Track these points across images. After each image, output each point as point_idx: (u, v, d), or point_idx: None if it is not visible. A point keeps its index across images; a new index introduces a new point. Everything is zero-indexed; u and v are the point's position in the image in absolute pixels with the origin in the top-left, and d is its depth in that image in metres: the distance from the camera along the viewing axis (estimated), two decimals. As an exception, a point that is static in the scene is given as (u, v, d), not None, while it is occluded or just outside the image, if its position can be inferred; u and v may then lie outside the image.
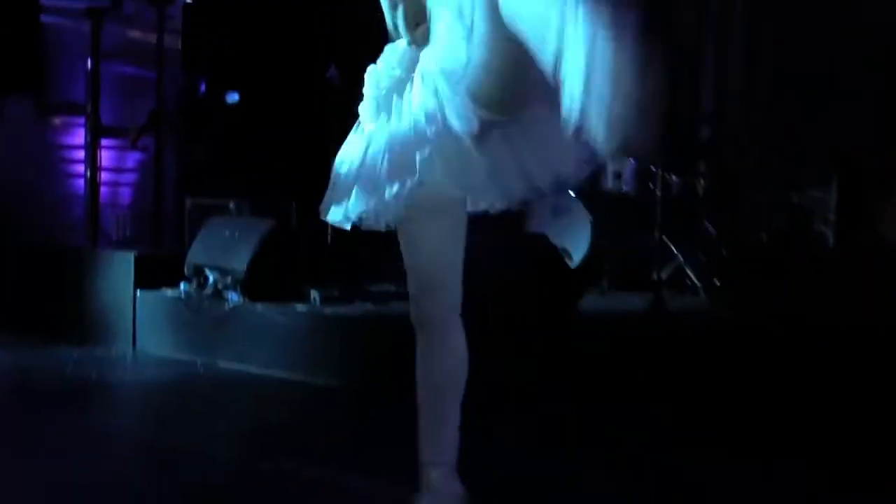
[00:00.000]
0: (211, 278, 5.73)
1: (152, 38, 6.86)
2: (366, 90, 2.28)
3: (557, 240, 5.88)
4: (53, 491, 3.27)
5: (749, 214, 6.14)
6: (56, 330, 6.11)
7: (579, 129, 1.98)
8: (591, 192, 6.36)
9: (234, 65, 7.24)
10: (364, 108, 2.27)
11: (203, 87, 7.06)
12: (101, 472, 3.45)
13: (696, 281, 5.74)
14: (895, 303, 4.20)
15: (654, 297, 5.25)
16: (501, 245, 5.04)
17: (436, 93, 2.10)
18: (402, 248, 2.31)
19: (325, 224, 3.77)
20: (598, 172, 6.13)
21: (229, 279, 5.61)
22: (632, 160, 6.04)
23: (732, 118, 6.28)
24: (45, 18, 6.86)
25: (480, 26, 2.06)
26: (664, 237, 5.80)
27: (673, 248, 5.84)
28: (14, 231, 6.83)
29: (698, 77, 6.34)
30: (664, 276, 5.80)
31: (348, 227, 2.30)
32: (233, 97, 7.04)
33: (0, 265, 6.52)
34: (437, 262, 2.31)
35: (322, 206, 2.30)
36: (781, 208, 5.80)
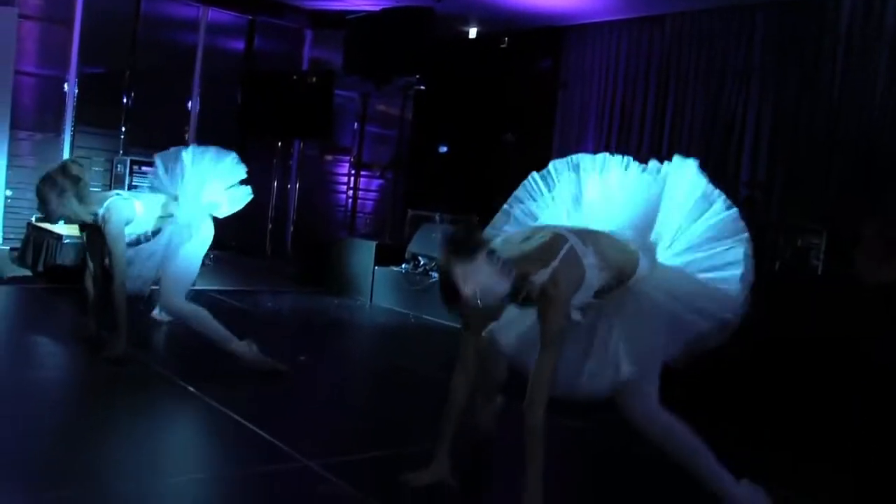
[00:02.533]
0: (422, 262, 7.18)
1: (394, 110, 9.06)
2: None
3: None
4: (320, 382, 4.42)
5: (769, 249, 7.17)
6: (328, 286, 7.79)
7: None
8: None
9: (445, 127, 9.23)
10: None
11: (441, 149, 9.01)
12: (346, 376, 4.70)
13: (733, 290, 7.23)
14: (859, 317, 4.89)
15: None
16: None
17: None
18: None
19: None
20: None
21: (433, 264, 6.85)
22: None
23: (761, 185, 7.64)
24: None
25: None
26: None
27: (719, 268, 7.41)
28: (308, 225, 9.05)
29: (741, 156, 7.88)
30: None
31: None
32: (442, 148, 9.01)
33: (300, 248, 8.52)
34: None
35: None
36: (790, 247, 6.93)
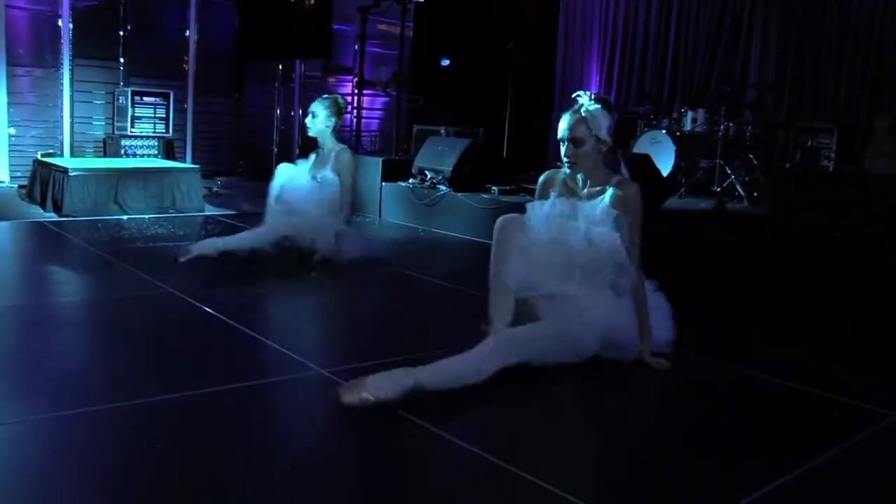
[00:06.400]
0: (429, 176, 7.19)
1: (395, 28, 8.84)
2: None
3: (655, 159, 6.86)
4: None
5: (779, 151, 7.36)
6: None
7: None
8: (677, 130, 7.54)
9: (446, 40, 9.05)
10: None
11: (444, 62, 8.86)
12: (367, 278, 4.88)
13: (742, 192, 6.95)
14: (868, 211, 5.30)
15: (717, 202, 6.50)
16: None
17: None
18: None
19: (503, 142, 5.57)
20: (680, 118, 7.53)
21: (441, 177, 7.06)
22: (702, 111, 7.36)
23: (770, 86, 7.58)
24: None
25: None
26: (722, 162, 7.07)
27: (728, 170, 7.07)
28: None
29: (749, 58, 7.77)
30: (722, 188, 7.11)
31: None
32: (445, 61, 8.88)
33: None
34: None
35: None
36: (800, 147, 7.03)
